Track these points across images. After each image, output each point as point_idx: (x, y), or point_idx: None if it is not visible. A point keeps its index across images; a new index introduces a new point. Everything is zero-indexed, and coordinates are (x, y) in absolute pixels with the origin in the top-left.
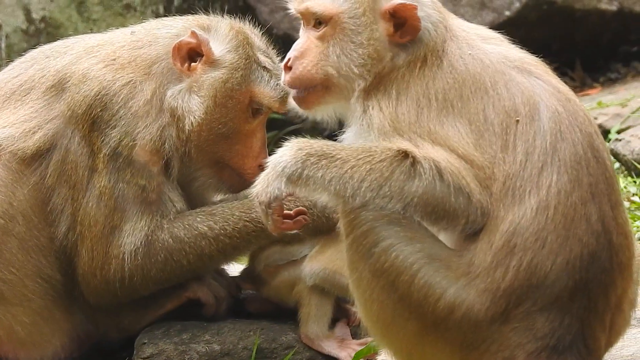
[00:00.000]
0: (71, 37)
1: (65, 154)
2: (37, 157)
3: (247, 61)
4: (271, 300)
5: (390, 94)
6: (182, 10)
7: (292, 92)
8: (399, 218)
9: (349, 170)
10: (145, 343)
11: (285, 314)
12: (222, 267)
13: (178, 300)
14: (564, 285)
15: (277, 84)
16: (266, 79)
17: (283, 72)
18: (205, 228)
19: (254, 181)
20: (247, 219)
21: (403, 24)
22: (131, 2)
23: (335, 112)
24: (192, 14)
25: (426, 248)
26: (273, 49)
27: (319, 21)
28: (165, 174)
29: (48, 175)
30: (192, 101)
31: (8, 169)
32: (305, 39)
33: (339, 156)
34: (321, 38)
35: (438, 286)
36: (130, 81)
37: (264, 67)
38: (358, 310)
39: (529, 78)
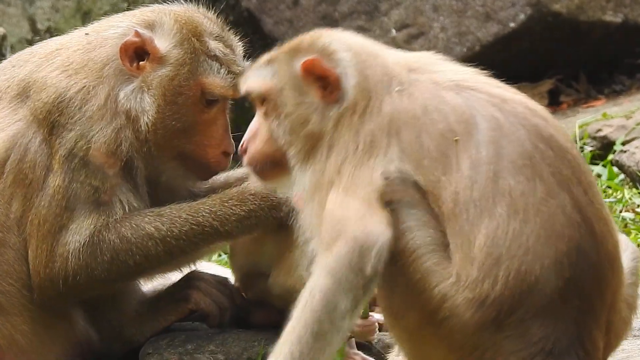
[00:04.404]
0: (37, 44)
1: (24, 153)
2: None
3: (193, 55)
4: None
5: (322, 152)
6: None
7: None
8: (417, 200)
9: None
10: (149, 353)
11: None
12: (224, 276)
13: (181, 312)
14: (554, 287)
15: (228, 71)
16: (216, 68)
17: (243, 157)
18: (153, 229)
19: (220, 167)
20: (194, 222)
21: (325, 80)
22: None
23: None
24: None
25: (439, 237)
26: (230, 30)
27: (260, 100)
28: (125, 175)
29: (5, 175)
30: (144, 101)
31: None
32: (255, 120)
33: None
34: (265, 115)
35: (436, 275)
36: (83, 87)
37: (214, 56)
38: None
39: (461, 93)
